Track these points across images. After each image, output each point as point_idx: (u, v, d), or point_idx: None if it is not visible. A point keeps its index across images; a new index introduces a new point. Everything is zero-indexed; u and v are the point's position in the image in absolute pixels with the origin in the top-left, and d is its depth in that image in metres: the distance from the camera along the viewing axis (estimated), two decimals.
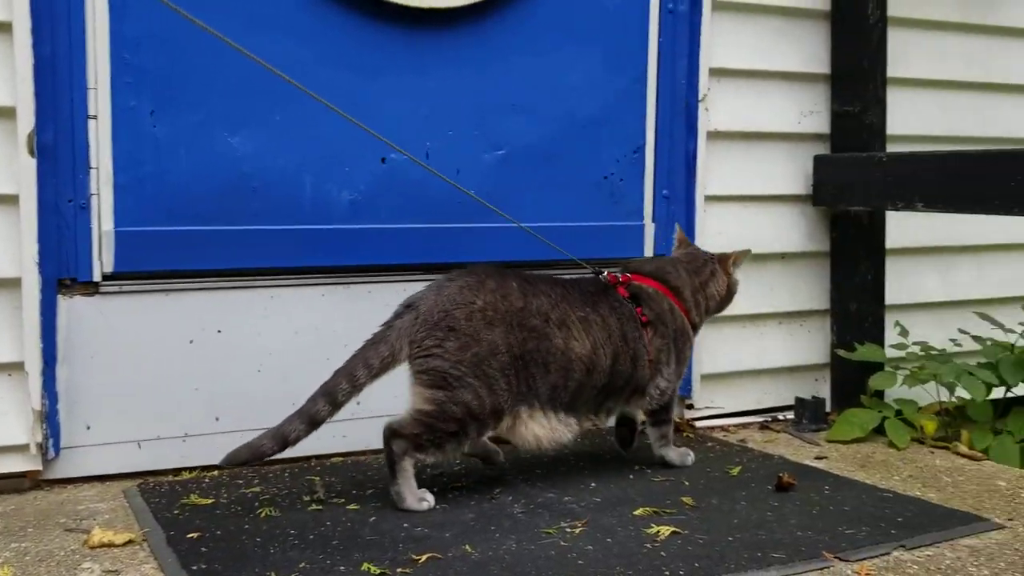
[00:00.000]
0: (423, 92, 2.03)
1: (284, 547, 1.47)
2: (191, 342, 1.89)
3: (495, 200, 2.11)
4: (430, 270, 2.05)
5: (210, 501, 1.70)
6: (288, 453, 1.93)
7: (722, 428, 2.32)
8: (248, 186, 1.91)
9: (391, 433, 1.64)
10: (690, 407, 2.32)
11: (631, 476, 1.86)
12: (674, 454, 1.93)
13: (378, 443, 1.99)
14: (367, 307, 1.99)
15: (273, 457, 1.62)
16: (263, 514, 1.62)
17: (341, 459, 1.98)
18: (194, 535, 1.52)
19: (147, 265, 1.85)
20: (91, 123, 1.79)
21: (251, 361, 1.93)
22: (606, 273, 1.88)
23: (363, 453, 2.01)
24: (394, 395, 2.02)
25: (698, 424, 2.32)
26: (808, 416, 2.33)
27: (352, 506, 1.67)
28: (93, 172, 1.80)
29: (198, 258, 1.88)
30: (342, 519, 1.60)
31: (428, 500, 1.65)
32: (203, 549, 1.46)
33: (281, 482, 1.82)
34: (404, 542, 1.49)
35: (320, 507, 1.67)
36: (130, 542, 1.49)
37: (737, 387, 2.37)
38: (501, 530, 1.55)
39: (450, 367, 1.62)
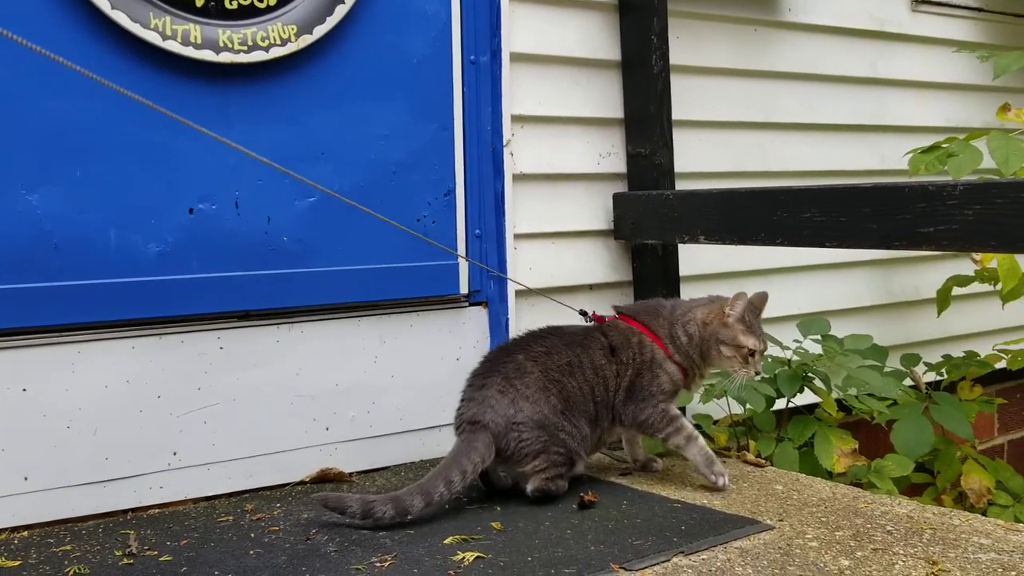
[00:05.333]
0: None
1: None
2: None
3: (311, 245, 2.18)
4: (247, 317, 2.10)
5: (18, 563, 1.67)
6: (101, 508, 1.93)
7: None
8: (49, 243, 1.89)
9: (547, 495, 1.95)
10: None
11: (446, 506, 1.95)
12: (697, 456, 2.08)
13: (195, 493, 2.03)
14: (180, 357, 2.01)
15: (113, 510, 1.89)
16: (71, 572, 1.62)
17: (159, 510, 1.98)
18: None
19: None
20: None
21: (60, 418, 1.91)
22: (591, 313, 2.14)
23: (181, 503, 2.01)
24: (212, 444, 2.05)
25: None
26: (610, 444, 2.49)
27: (165, 557, 1.69)
28: None
29: None
30: (153, 571, 1.62)
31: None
32: None
33: (94, 538, 1.81)
34: None
35: (131, 561, 1.68)
36: None
37: None
38: (312, 570, 1.61)
39: (534, 444, 1.92)
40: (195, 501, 2.02)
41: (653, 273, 2.56)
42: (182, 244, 2.03)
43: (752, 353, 2.00)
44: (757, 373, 2.03)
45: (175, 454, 2.01)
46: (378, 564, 1.63)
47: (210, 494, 2.04)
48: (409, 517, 1.80)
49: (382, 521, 1.77)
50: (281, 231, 2.14)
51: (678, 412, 2.05)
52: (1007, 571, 1.58)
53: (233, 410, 2.06)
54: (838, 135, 3.09)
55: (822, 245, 2.06)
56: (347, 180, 2.22)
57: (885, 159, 3.13)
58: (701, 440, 2.04)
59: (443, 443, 2.33)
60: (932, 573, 1.57)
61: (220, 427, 2.05)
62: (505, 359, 1.99)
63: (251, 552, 1.70)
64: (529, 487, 1.97)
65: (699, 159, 2.74)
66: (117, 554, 1.71)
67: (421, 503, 1.79)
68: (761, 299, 2.05)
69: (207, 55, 2.01)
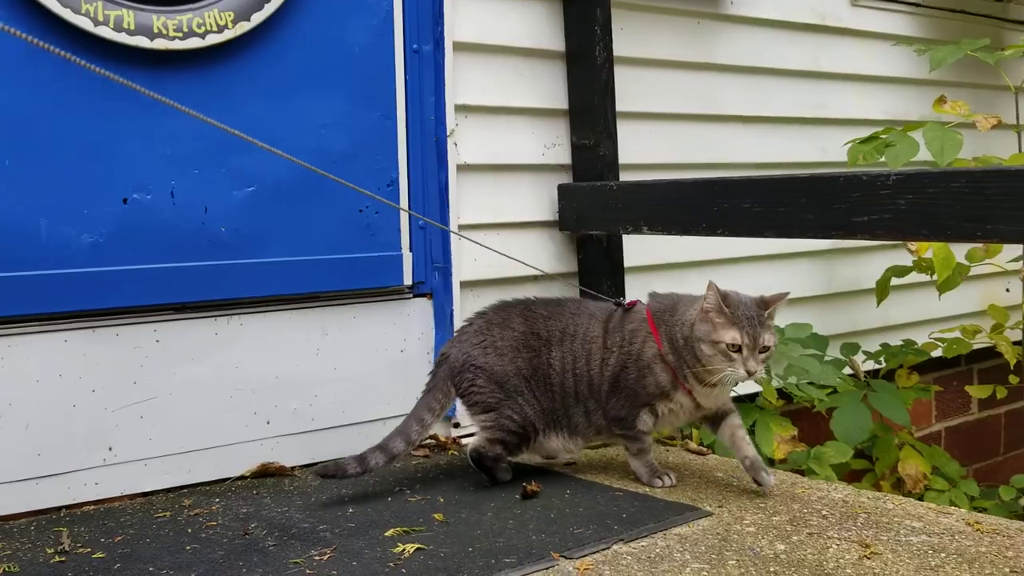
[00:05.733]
0: (166, 132, 2.03)
1: None
2: None
3: (249, 236, 2.14)
4: (183, 309, 2.06)
5: None
6: (33, 506, 1.88)
7: None
8: None
9: (479, 456, 1.98)
10: (456, 426, 2.44)
11: (389, 499, 1.94)
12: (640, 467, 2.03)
13: (132, 489, 1.99)
14: (115, 350, 1.97)
15: (46, 507, 1.87)
16: (1, 571, 1.57)
17: (93, 507, 1.94)
18: None
19: None
20: None
21: None
22: (626, 301, 2.04)
23: (117, 499, 1.97)
24: (149, 439, 2.01)
25: (464, 440, 2.43)
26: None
27: (98, 555, 1.65)
28: None
29: None
30: (85, 569, 1.58)
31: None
32: None
33: (26, 536, 1.76)
34: None
35: (63, 559, 1.64)
36: None
37: None
38: (249, 565, 1.59)
39: (487, 396, 1.96)
40: (132, 497, 1.98)
41: (598, 264, 2.57)
42: (116, 235, 1.98)
43: (735, 348, 1.80)
44: (750, 373, 1.80)
45: (111, 449, 1.97)
46: (317, 558, 1.61)
47: (147, 490, 2.00)
48: (396, 459, 1.95)
49: (377, 467, 1.92)
50: (218, 221, 2.10)
51: (650, 426, 1.99)
52: (937, 552, 1.62)
53: (171, 404, 2.03)
54: (781, 127, 3.13)
55: (761, 235, 2.08)
56: (286, 170, 2.18)
57: (827, 151, 3.18)
58: (651, 455, 2.03)
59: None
60: (864, 555, 1.60)
61: (157, 421, 2.01)
62: (502, 309, 2.06)
63: (187, 548, 1.67)
64: (470, 445, 1.98)
65: (644, 151, 2.76)
66: (49, 552, 1.67)
67: (402, 444, 1.94)
68: (752, 298, 1.85)
69: (141, 41, 1.96)
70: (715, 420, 2.01)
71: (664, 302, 1.99)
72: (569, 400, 2.00)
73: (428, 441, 2.35)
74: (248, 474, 2.11)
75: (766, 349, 1.83)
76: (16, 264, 1.88)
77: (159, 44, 1.98)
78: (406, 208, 2.35)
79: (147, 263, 2.01)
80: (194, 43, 2.02)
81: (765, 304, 1.86)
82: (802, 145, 3.17)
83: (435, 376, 2.03)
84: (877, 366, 3.15)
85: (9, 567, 1.59)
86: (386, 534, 1.72)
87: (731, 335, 1.81)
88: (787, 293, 1.86)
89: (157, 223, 2.02)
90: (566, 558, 1.60)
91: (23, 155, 1.88)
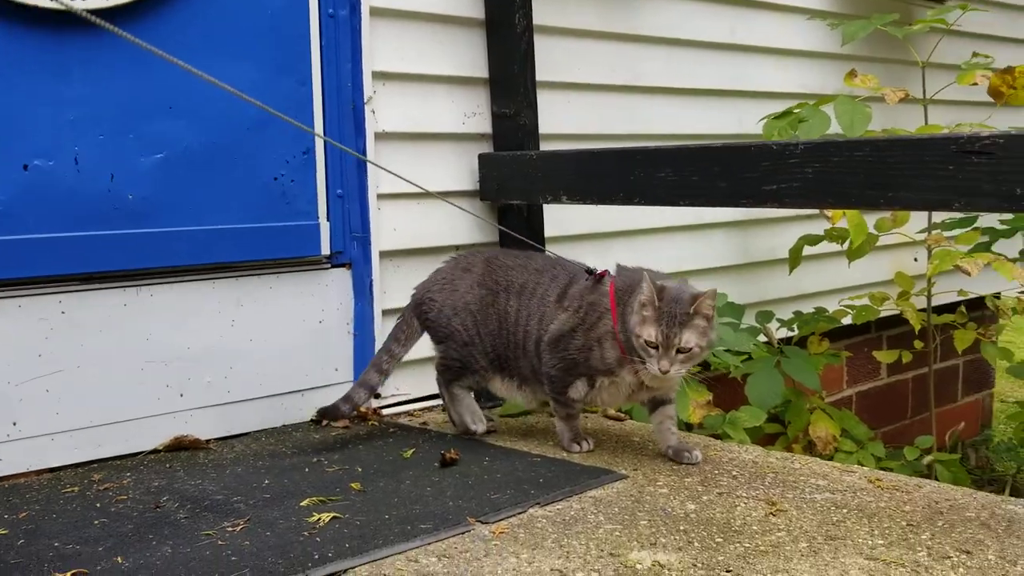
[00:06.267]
0: (69, 97, 1.96)
1: None
2: None
3: (159, 204, 2.09)
4: (90, 279, 2.00)
5: None
6: None
7: (407, 413, 2.45)
8: None
9: (437, 376, 2.20)
10: (377, 396, 2.42)
11: (307, 469, 1.93)
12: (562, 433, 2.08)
13: (38, 464, 1.93)
14: (18, 322, 1.90)
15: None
16: None
17: None
18: None
19: None
20: None
21: None
22: (597, 270, 2.02)
23: (22, 475, 1.91)
24: (55, 413, 1.96)
25: (384, 411, 2.43)
26: (485, 395, 2.51)
27: (1, 531, 1.60)
28: None
29: None
30: None
31: (482, 424, 2.17)
32: None
33: None
34: (51, 562, 1.46)
35: None
36: None
37: (421, 373, 2.50)
38: (159, 537, 1.56)
39: (442, 327, 2.12)
40: (38, 473, 1.93)
41: (519, 234, 2.57)
42: (16, 202, 1.90)
43: (653, 345, 1.79)
44: (662, 371, 1.79)
45: (15, 424, 1.90)
46: (230, 529, 1.59)
47: (54, 465, 1.94)
48: (375, 389, 2.14)
49: (363, 401, 2.12)
50: (125, 189, 2.04)
51: (581, 394, 1.99)
52: (839, 508, 1.68)
53: (78, 377, 1.97)
54: (701, 99, 3.17)
55: (676, 203, 2.12)
56: (200, 136, 2.13)
57: (743, 123, 3.23)
58: (577, 421, 2.06)
59: (305, 408, 2.30)
60: (770, 512, 1.65)
61: (64, 395, 1.95)
62: (471, 255, 2.19)
63: (95, 522, 1.63)
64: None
65: (566, 121, 2.77)
66: None
67: (376, 375, 2.13)
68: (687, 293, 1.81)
69: (39, 0, 1.88)
70: (655, 404, 2.00)
71: (627, 280, 1.94)
72: (519, 352, 2.06)
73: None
74: (161, 448, 2.06)
75: (686, 351, 1.79)
76: None
77: (58, 4, 1.89)
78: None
79: (50, 232, 1.94)
80: (96, 3, 1.94)
81: (693, 301, 1.79)
82: (721, 117, 3.21)
83: (403, 311, 2.19)
84: (791, 333, 3.24)
85: None
86: (301, 504, 1.71)
87: (648, 332, 1.80)
88: (714, 290, 1.81)
89: (61, 190, 1.95)
90: (482, 522, 1.61)
91: None
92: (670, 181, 2.09)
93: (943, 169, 1.66)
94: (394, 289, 2.42)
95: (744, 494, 1.75)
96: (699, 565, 1.44)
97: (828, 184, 1.82)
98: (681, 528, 1.58)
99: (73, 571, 1.41)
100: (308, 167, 2.32)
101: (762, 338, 3.04)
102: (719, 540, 1.53)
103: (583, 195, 2.30)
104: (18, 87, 1.90)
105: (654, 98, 3.03)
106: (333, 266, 2.37)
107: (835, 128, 2.82)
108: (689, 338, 1.79)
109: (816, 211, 3.17)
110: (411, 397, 2.49)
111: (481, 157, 2.57)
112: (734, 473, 1.88)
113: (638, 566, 1.43)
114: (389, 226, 2.43)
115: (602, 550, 1.49)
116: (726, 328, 2.52)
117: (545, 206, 2.60)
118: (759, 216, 3.30)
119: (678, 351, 1.80)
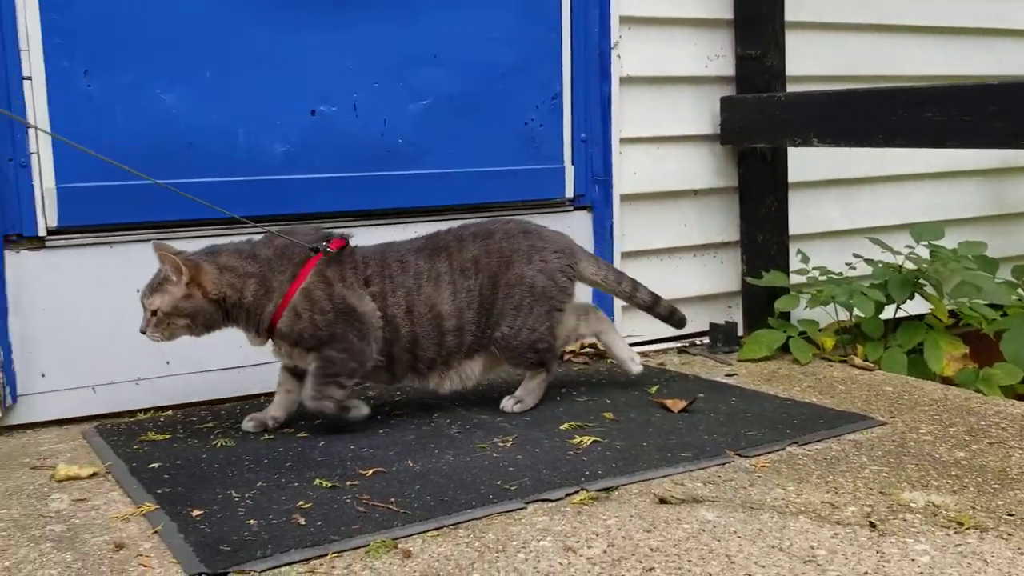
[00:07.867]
0: (348, 47, 2.13)
1: (241, 471, 1.60)
2: (137, 291, 1.97)
3: (421, 148, 2.23)
4: (363, 216, 2.17)
5: (167, 437, 1.81)
6: (239, 392, 2.06)
7: (643, 354, 2.49)
8: (183, 141, 1.99)
9: None
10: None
11: (558, 398, 2.03)
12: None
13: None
14: None
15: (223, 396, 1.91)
16: (219, 445, 1.75)
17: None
18: (155, 465, 1.64)
19: (89, 219, 1.93)
20: (26, 84, 1.86)
21: None
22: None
23: None
24: None
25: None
26: (722, 339, 2.53)
27: (302, 434, 1.81)
28: (32, 131, 1.86)
29: (138, 211, 1.97)
30: (293, 445, 1.74)
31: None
32: (165, 476, 1.58)
33: (233, 418, 1.93)
34: (352, 460, 1.63)
35: (272, 437, 1.80)
36: (95, 474, 1.61)
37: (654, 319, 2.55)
38: (440, 447, 1.70)
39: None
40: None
41: (760, 179, 2.54)
42: (305, 145, 2.10)
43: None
44: (141, 331, 1.75)
45: None
46: (500, 444, 1.71)
47: None
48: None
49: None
50: (396, 133, 2.19)
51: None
52: None
53: None
54: (955, 39, 2.96)
55: (943, 146, 2.01)
56: (460, 83, 2.25)
57: (1004, 64, 2.99)
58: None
59: None
60: None
61: None
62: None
63: (381, 431, 1.80)
64: None
65: (810, 63, 2.67)
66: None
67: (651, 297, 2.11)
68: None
69: None
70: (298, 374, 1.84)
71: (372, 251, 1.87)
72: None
73: (587, 349, 2.42)
74: None
75: (153, 313, 1.73)
76: (217, 170, 2.03)
77: None
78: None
79: (332, 172, 2.13)
80: None
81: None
82: (977, 58, 2.99)
83: None
84: None
85: (226, 442, 1.76)
86: (561, 427, 1.80)
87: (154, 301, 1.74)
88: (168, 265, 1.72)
89: (342, 134, 2.13)
90: (740, 455, 1.64)
91: (221, 67, 2.01)
92: (937, 122, 1.99)
93: None
94: (633, 232, 2.47)
95: (1017, 445, 1.68)
96: (978, 507, 1.40)
97: None
98: (953, 473, 1.54)
99: (374, 469, 1.57)
100: (556, 112, 2.39)
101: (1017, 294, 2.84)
102: (996, 486, 1.48)
103: (837, 137, 2.23)
104: (308, 38, 2.08)
105: (903, 37, 2.87)
106: (576, 208, 2.44)
107: None
108: (152, 301, 1.73)
109: None
110: (645, 339, 2.54)
111: (724, 100, 2.54)
112: (1003, 425, 1.80)
113: (912, 504, 1.41)
114: (629, 170, 2.47)
115: (871, 488, 1.48)
116: (984, 277, 2.38)
117: (789, 150, 2.54)
118: (1016, 164, 3.06)
119: (150, 312, 1.75)
